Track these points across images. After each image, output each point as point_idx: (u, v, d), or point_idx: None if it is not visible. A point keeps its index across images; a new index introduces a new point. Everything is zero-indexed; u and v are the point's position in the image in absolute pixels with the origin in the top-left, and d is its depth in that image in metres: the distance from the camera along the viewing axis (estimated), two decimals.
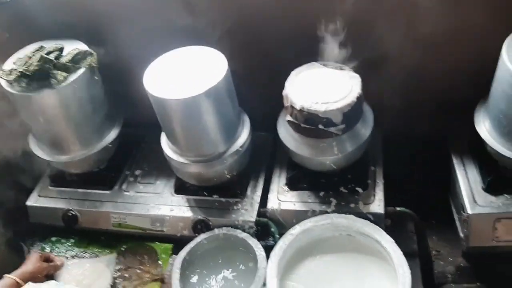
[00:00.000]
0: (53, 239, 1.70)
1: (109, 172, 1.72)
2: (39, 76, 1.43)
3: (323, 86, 1.38)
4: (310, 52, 1.46)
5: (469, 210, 1.37)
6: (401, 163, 1.63)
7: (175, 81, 1.37)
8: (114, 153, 1.70)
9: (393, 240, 1.35)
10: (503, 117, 1.28)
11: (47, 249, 1.67)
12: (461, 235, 1.45)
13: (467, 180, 1.44)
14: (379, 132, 1.61)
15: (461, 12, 1.42)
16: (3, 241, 1.74)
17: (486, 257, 1.43)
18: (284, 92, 1.41)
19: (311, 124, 1.36)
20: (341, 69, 1.43)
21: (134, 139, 1.85)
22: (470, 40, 1.47)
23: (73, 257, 1.64)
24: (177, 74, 1.39)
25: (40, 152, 1.64)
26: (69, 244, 1.68)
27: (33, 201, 1.72)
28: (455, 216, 1.52)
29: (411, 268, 1.30)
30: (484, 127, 1.38)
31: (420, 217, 1.50)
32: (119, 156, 1.74)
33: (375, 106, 1.50)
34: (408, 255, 1.34)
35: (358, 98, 1.35)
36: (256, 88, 1.62)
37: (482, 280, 1.42)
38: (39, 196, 1.74)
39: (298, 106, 1.35)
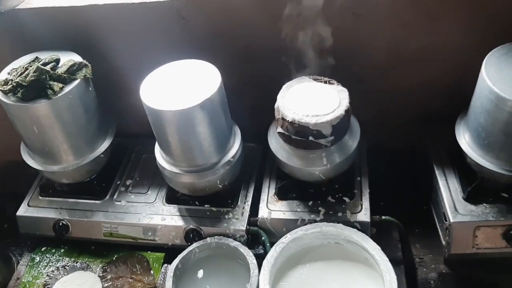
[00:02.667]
0: (43, 249, 1.70)
1: (101, 182, 1.74)
2: (36, 87, 1.45)
3: (313, 100, 1.44)
4: (300, 67, 1.52)
5: (450, 218, 1.43)
6: (386, 174, 1.69)
7: (170, 93, 1.41)
8: (105, 163, 1.72)
9: (379, 248, 1.40)
10: (482, 130, 1.35)
11: (37, 259, 1.67)
12: (443, 242, 1.51)
13: (448, 190, 1.50)
14: (365, 143, 1.68)
15: (441, 29, 1.50)
16: None
17: (467, 264, 1.49)
18: (276, 105, 1.46)
19: (301, 135, 1.41)
20: (330, 83, 1.49)
21: (125, 149, 1.87)
22: (451, 56, 1.55)
23: (63, 267, 1.64)
24: (173, 87, 1.43)
25: (31, 161, 1.65)
26: (59, 254, 1.68)
27: (23, 211, 1.72)
28: (437, 225, 1.58)
29: (396, 275, 1.34)
30: (464, 139, 1.45)
31: (404, 226, 1.56)
32: (110, 166, 1.76)
33: (360, 119, 1.56)
34: (393, 262, 1.38)
35: (346, 111, 1.41)
36: (247, 100, 1.66)
37: (462, 286, 1.47)
38: (29, 206, 1.74)
39: (289, 119, 1.40)
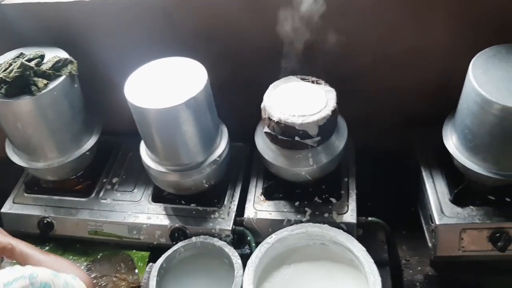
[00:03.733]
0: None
1: (86, 180, 1.73)
2: (20, 83, 1.44)
3: (300, 100, 1.43)
4: (287, 66, 1.51)
5: (437, 220, 1.42)
6: (373, 175, 1.68)
7: (155, 91, 1.40)
8: (91, 160, 1.71)
9: (364, 249, 1.39)
10: (468, 133, 1.34)
11: None
12: (429, 244, 1.51)
13: (435, 192, 1.50)
14: (353, 144, 1.67)
15: (429, 31, 1.50)
16: None
17: (453, 266, 1.48)
18: (262, 105, 1.45)
19: (288, 136, 1.40)
20: (317, 83, 1.48)
21: (112, 147, 1.86)
22: (439, 58, 1.55)
23: None
24: (158, 84, 1.42)
25: (16, 158, 1.64)
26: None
27: (7, 208, 1.71)
28: (424, 227, 1.57)
29: (381, 276, 1.34)
30: (451, 141, 1.44)
31: (391, 227, 1.56)
32: (96, 164, 1.75)
33: (348, 119, 1.55)
34: (379, 263, 1.39)
35: (333, 111, 1.40)
36: (234, 99, 1.65)
37: None
38: (14, 203, 1.72)
39: (275, 118, 1.39)
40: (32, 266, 1.13)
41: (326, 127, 1.41)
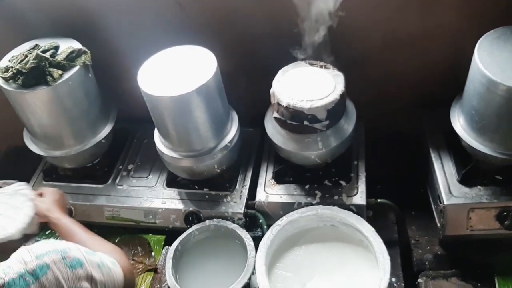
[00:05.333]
0: (47, 232, 1.74)
1: (103, 167, 1.78)
2: (35, 74, 1.48)
3: (308, 84, 1.45)
4: (296, 51, 1.53)
5: (445, 200, 1.45)
6: (382, 157, 1.71)
7: (167, 79, 1.43)
8: (107, 148, 1.76)
9: (374, 230, 1.42)
10: (475, 113, 1.35)
11: None
12: (438, 224, 1.53)
13: (443, 173, 1.51)
14: (362, 127, 1.69)
15: (436, 13, 1.51)
16: None
17: (461, 245, 1.51)
18: (271, 90, 1.48)
19: (296, 120, 1.43)
20: (326, 67, 1.50)
21: (127, 134, 1.90)
22: (446, 40, 1.56)
23: None
24: (169, 73, 1.45)
25: (34, 147, 1.69)
26: (62, 238, 1.72)
27: None
28: (433, 207, 1.60)
29: (391, 256, 1.37)
30: (459, 123, 1.45)
31: (401, 208, 1.58)
32: (112, 151, 1.80)
33: (357, 102, 1.57)
34: (389, 243, 1.42)
35: (341, 95, 1.43)
36: (244, 85, 1.68)
37: (457, 267, 1.49)
38: (33, 190, 1.77)
39: (284, 104, 1.42)
40: (67, 242, 1.15)
41: (335, 111, 1.43)
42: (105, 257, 1.16)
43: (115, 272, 1.15)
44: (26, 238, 1.36)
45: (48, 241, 1.08)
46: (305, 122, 1.42)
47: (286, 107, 1.41)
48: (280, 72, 1.51)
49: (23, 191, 1.44)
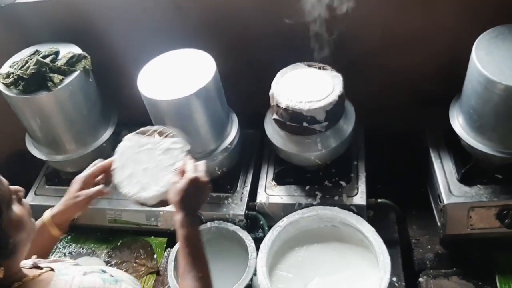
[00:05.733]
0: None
1: None
2: (36, 79, 1.49)
3: (307, 86, 1.46)
4: (294, 53, 1.54)
5: (445, 200, 1.45)
6: (382, 157, 1.71)
7: (167, 82, 1.44)
8: (109, 151, 1.76)
9: (374, 230, 1.43)
10: (473, 113, 1.36)
11: None
12: (439, 223, 1.54)
13: (443, 172, 1.52)
14: (362, 128, 1.69)
15: (434, 13, 1.51)
16: None
17: (462, 244, 1.51)
18: (270, 92, 1.49)
19: (296, 122, 1.44)
20: (324, 69, 1.51)
21: None
22: (444, 39, 1.56)
23: (70, 253, 1.70)
24: (169, 76, 1.46)
25: (36, 152, 1.70)
26: (66, 240, 1.74)
27: (29, 200, 1.77)
28: (433, 206, 1.60)
29: (392, 256, 1.38)
30: (458, 122, 1.46)
31: (402, 208, 1.59)
32: (113, 155, 1.80)
33: (356, 103, 1.58)
34: (389, 243, 1.42)
35: (340, 96, 1.43)
36: (243, 88, 1.69)
37: (458, 266, 1.49)
38: (36, 194, 1.79)
39: (283, 105, 1.43)
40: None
41: (334, 112, 1.44)
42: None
43: None
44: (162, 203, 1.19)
45: (109, 281, 0.98)
46: (304, 124, 1.43)
47: (285, 108, 1.42)
48: (278, 74, 1.52)
49: (177, 150, 1.20)
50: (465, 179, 1.48)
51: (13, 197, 0.90)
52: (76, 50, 1.60)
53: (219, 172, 1.60)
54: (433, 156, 1.57)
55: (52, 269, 0.97)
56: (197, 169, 1.10)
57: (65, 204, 1.24)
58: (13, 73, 1.51)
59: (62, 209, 1.23)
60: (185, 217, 1.05)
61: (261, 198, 1.60)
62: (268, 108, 1.59)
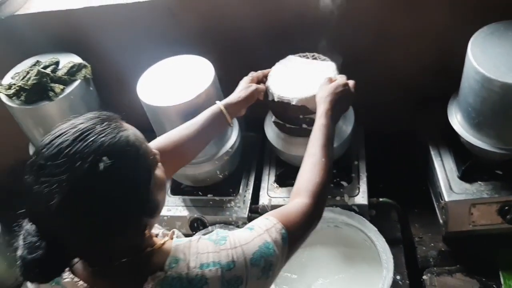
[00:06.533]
0: None
1: None
2: (38, 90, 1.51)
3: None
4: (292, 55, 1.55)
5: (446, 197, 1.46)
6: (382, 157, 1.72)
7: (166, 89, 1.46)
8: None
9: (376, 229, 1.44)
10: (471, 110, 1.37)
11: None
12: (441, 221, 1.54)
13: (444, 169, 1.52)
14: (362, 128, 1.70)
15: (429, 11, 1.52)
16: (7, 249, 1.81)
17: (465, 240, 1.52)
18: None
19: (294, 123, 1.45)
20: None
21: None
22: (440, 38, 1.57)
23: None
24: (168, 82, 1.48)
25: None
26: None
27: None
28: (435, 204, 1.61)
29: (395, 254, 1.39)
30: (456, 120, 1.47)
31: (404, 206, 1.59)
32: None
33: (355, 103, 1.57)
34: (392, 242, 1.43)
35: None
36: None
37: (461, 263, 1.50)
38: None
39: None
40: (235, 248, 0.95)
41: None
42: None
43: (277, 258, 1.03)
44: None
45: (219, 241, 0.95)
46: (304, 125, 1.44)
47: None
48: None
49: (329, 70, 1.42)
50: (466, 176, 1.49)
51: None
52: (76, 59, 1.62)
53: (221, 176, 1.61)
54: (433, 154, 1.58)
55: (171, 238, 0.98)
56: (348, 82, 1.28)
57: (238, 95, 1.35)
58: (14, 84, 1.53)
59: (235, 101, 1.34)
60: (328, 111, 1.20)
61: (263, 200, 1.61)
62: (267, 111, 1.59)
